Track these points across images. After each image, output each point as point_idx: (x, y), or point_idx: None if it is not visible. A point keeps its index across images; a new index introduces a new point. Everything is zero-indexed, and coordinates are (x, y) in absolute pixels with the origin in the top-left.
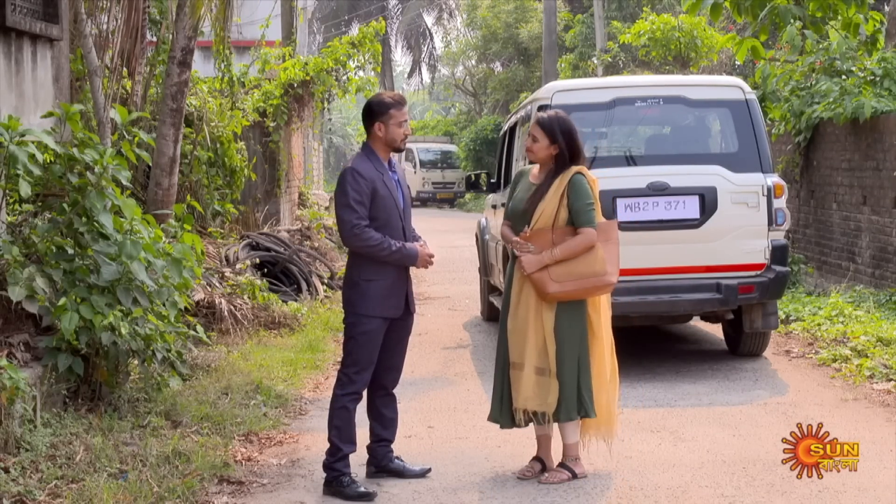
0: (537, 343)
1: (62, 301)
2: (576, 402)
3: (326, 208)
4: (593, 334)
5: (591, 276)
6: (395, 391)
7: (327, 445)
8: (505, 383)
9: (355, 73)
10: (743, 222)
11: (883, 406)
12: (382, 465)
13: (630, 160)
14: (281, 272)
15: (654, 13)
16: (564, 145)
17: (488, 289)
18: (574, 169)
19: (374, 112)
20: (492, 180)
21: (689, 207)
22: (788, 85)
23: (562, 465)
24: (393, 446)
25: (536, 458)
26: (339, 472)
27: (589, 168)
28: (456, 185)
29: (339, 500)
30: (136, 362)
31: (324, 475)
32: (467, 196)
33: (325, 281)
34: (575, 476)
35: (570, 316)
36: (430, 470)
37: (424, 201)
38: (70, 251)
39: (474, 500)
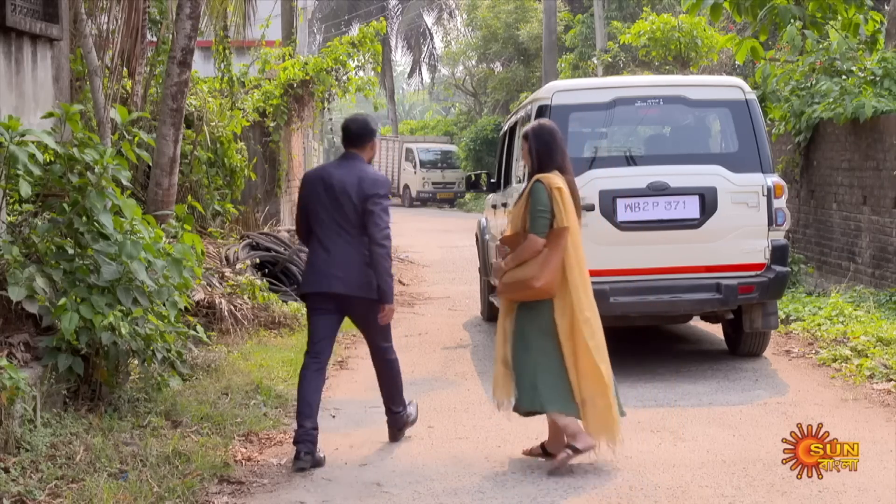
0: (502, 339)
1: (62, 301)
2: (530, 394)
3: None
4: (563, 337)
5: (522, 280)
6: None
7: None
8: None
9: (355, 73)
10: (743, 222)
11: (883, 406)
12: None
13: (630, 160)
14: (281, 272)
15: (654, 13)
16: (534, 152)
17: (488, 289)
18: (537, 176)
19: (374, 131)
20: (492, 180)
21: (689, 207)
22: (788, 85)
23: (566, 445)
24: (392, 446)
25: (542, 444)
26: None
27: (589, 168)
28: (456, 185)
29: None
30: (136, 362)
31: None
32: (467, 196)
33: None
34: (577, 450)
35: (528, 316)
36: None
37: (424, 201)
38: (70, 251)
39: (474, 500)
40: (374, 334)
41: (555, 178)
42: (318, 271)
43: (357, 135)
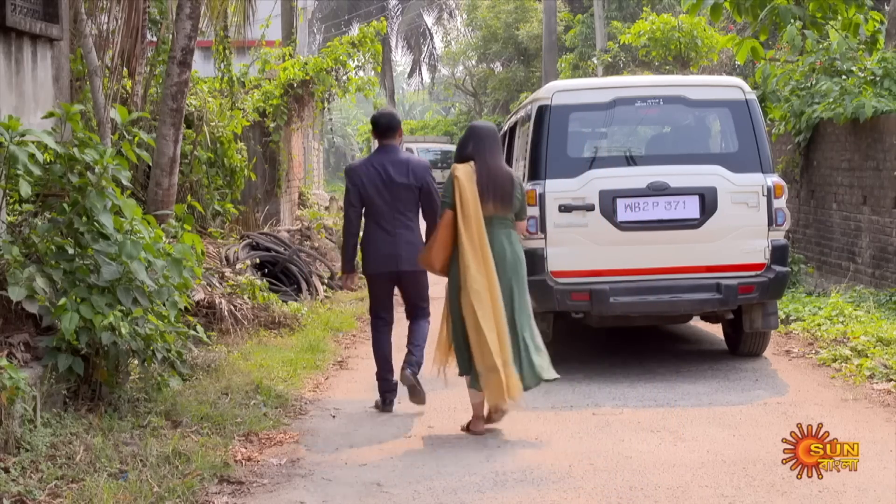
0: (445, 310)
1: (62, 301)
2: (458, 360)
3: (326, 208)
4: (465, 311)
5: None
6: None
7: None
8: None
9: (355, 73)
10: (743, 222)
11: (883, 406)
12: None
13: (630, 160)
14: (281, 272)
15: (654, 13)
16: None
17: None
18: (452, 166)
19: (400, 121)
20: None
21: (689, 207)
22: (788, 85)
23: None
24: (392, 445)
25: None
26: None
27: (589, 168)
28: None
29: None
30: (136, 362)
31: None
32: None
33: (325, 281)
34: (468, 430)
35: (450, 290)
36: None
37: None
38: (70, 251)
39: (474, 500)
40: (417, 298)
41: (458, 168)
42: (382, 253)
43: (388, 126)
